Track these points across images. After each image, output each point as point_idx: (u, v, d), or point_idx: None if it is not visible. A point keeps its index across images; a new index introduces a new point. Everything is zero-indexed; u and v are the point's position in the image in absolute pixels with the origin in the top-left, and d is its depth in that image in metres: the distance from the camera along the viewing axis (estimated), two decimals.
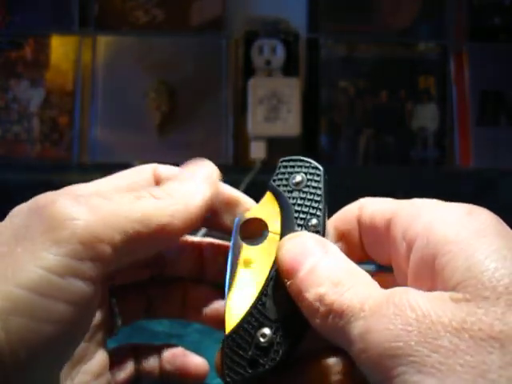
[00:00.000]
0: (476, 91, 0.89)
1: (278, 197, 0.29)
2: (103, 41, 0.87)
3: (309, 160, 0.30)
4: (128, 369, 0.34)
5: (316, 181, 0.29)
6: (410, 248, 0.25)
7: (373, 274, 0.27)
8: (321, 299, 0.24)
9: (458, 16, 0.91)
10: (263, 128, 0.82)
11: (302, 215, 0.28)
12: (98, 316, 0.28)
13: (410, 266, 0.25)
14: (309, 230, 0.28)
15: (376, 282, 0.24)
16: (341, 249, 0.27)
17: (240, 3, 0.90)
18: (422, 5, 0.91)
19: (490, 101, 0.89)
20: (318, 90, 0.87)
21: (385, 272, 0.29)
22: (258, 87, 0.83)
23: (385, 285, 0.24)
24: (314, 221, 0.28)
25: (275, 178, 0.30)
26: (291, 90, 0.83)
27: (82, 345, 0.26)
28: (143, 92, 0.86)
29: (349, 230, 0.29)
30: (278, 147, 0.84)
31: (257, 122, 0.82)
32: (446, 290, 0.22)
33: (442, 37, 0.91)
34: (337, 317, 0.23)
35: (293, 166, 0.30)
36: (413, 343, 0.20)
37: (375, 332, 0.21)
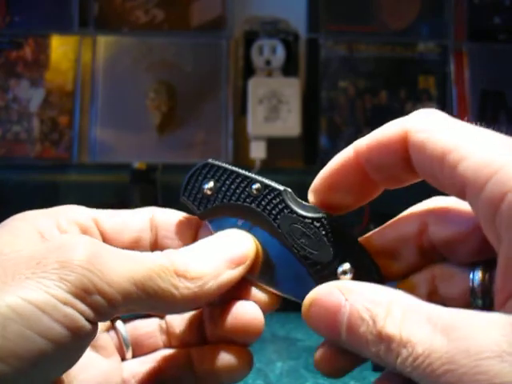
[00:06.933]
0: (476, 91, 0.89)
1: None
2: (103, 41, 0.87)
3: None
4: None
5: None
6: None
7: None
8: None
9: (457, 16, 0.91)
10: (263, 128, 0.82)
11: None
12: (103, 337, 0.30)
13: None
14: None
15: None
16: None
17: (240, 3, 0.90)
18: (422, 5, 0.91)
19: (490, 100, 0.89)
20: (318, 90, 0.87)
21: None
22: (258, 87, 0.83)
23: None
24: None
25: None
26: (291, 90, 0.83)
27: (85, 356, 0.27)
28: (143, 92, 0.86)
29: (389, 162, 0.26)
30: (278, 147, 0.84)
31: (257, 122, 0.82)
32: None
33: (442, 37, 0.91)
34: None
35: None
36: None
37: None
